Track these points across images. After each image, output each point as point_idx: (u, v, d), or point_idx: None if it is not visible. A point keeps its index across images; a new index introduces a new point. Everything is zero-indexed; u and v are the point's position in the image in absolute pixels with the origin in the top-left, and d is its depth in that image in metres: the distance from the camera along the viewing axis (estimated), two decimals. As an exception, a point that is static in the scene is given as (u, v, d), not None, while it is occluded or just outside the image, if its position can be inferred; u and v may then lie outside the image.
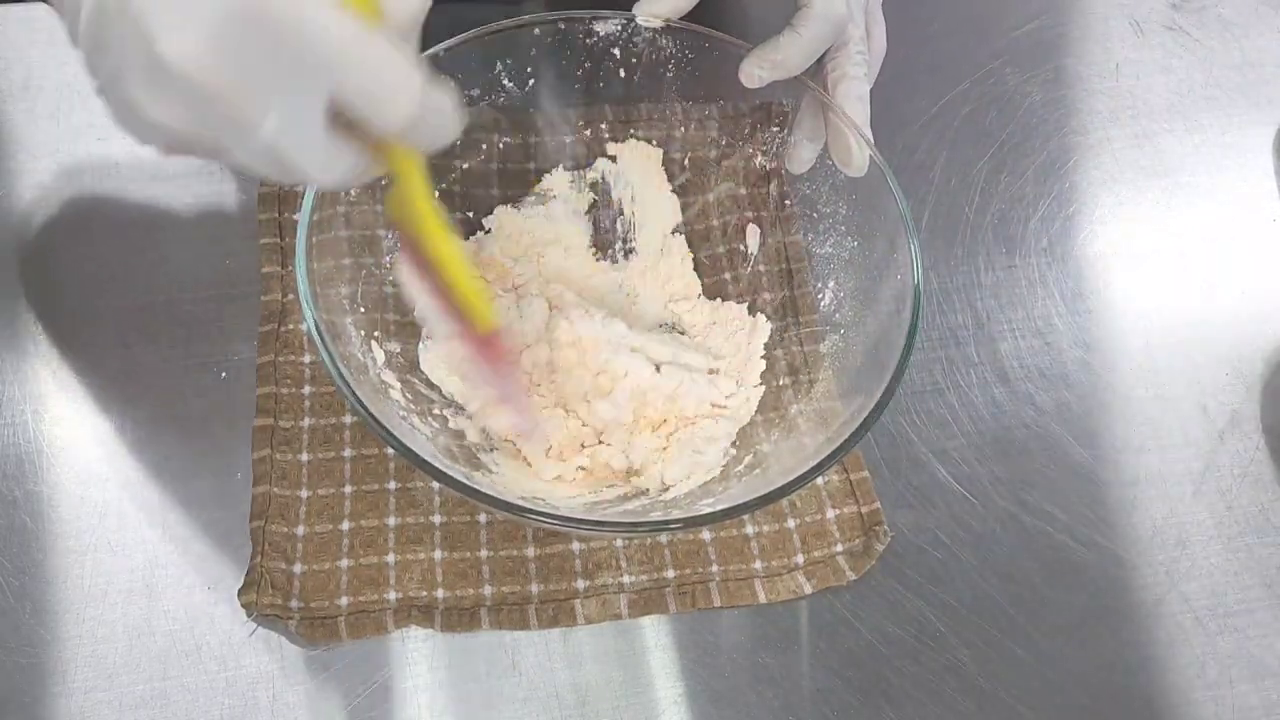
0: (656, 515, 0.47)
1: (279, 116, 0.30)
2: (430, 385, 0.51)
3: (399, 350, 0.51)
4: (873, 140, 0.49)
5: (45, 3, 0.62)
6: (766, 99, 0.54)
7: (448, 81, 0.34)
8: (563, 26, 0.52)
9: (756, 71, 0.49)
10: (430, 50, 0.49)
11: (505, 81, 0.54)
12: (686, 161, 0.58)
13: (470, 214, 0.56)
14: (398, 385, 0.49)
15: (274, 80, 0.30)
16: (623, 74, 0.54)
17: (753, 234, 0.57)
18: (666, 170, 0.58)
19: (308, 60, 0.30)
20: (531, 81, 0.53)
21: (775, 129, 0.55)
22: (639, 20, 0.51)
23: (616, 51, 0.53)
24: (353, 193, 0.48)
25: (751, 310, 0.56)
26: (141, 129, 0.33)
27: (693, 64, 0.53)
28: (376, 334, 0.49)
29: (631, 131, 0.57)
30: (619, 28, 0.52)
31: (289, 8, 0.29)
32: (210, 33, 0.29)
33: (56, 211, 0.57)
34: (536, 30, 0.51)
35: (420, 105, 0.32)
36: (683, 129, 0.57)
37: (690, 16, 0.51)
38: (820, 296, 0.54)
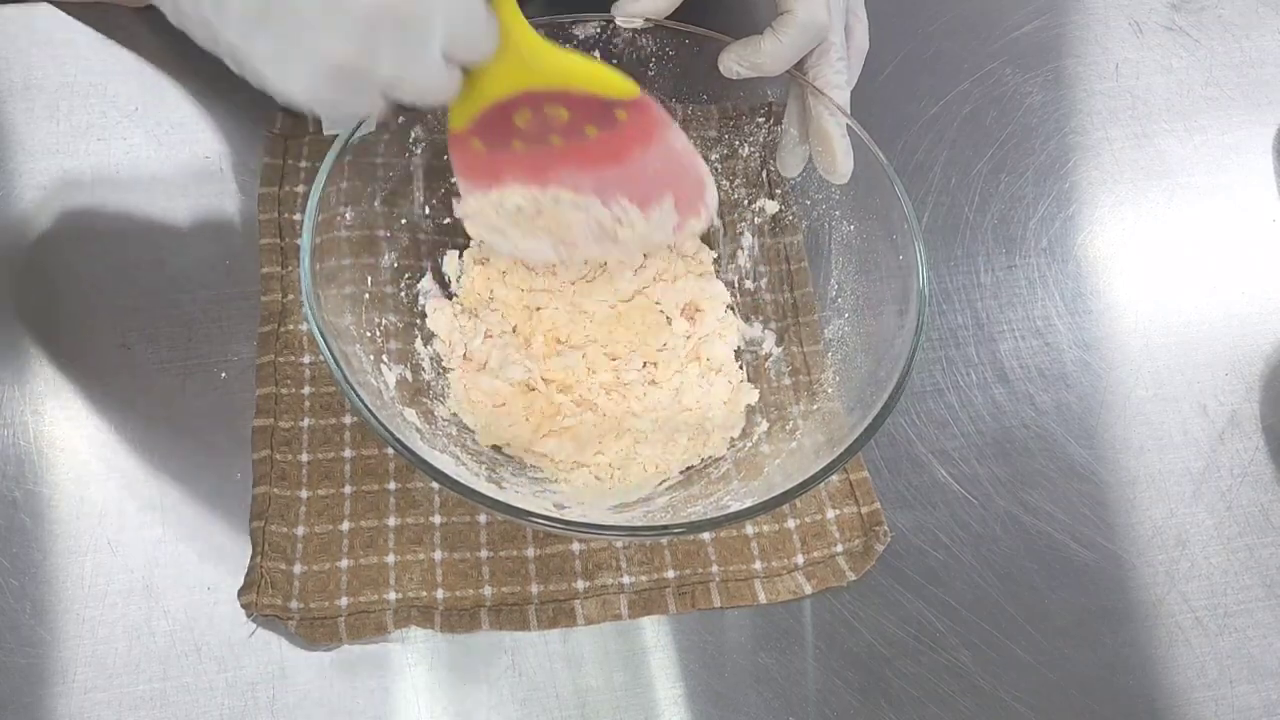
0: (663, 519, 0.47)
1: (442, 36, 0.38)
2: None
3: (400, 347, 0.51)
4: (852, 149, 0.49)
5: (48, 1, 0.63)
6: (763, 99, 0.54)
7: None
8: (543, 32, 0.52)
9: (735, 66, 0.50)
10: None
11: None
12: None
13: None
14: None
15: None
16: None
17: (752, 233, 0.57)
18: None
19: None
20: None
21: (766, 122, 0.55)
22: (618, 21, 0.51)
23: (597, 54, 0.53)
24: (352, 195, 0.48)
25: (755, 312, 0.56)
26: (312, 77, 0.37)
27: (675, 61, 0.53)
28: (378, 339, 0.49)
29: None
30: (598, 30, 0.52)
31: None
32: None
33: (56, 212, 0.57)
34: None
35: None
36: None
37: (678, 14, 0.51)
38: (821, 296, 0.54)
